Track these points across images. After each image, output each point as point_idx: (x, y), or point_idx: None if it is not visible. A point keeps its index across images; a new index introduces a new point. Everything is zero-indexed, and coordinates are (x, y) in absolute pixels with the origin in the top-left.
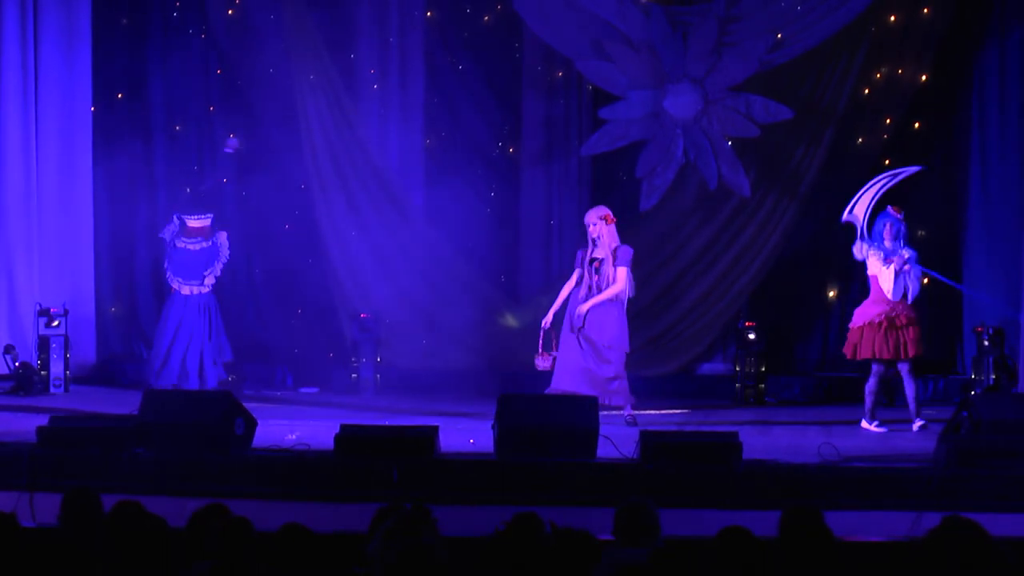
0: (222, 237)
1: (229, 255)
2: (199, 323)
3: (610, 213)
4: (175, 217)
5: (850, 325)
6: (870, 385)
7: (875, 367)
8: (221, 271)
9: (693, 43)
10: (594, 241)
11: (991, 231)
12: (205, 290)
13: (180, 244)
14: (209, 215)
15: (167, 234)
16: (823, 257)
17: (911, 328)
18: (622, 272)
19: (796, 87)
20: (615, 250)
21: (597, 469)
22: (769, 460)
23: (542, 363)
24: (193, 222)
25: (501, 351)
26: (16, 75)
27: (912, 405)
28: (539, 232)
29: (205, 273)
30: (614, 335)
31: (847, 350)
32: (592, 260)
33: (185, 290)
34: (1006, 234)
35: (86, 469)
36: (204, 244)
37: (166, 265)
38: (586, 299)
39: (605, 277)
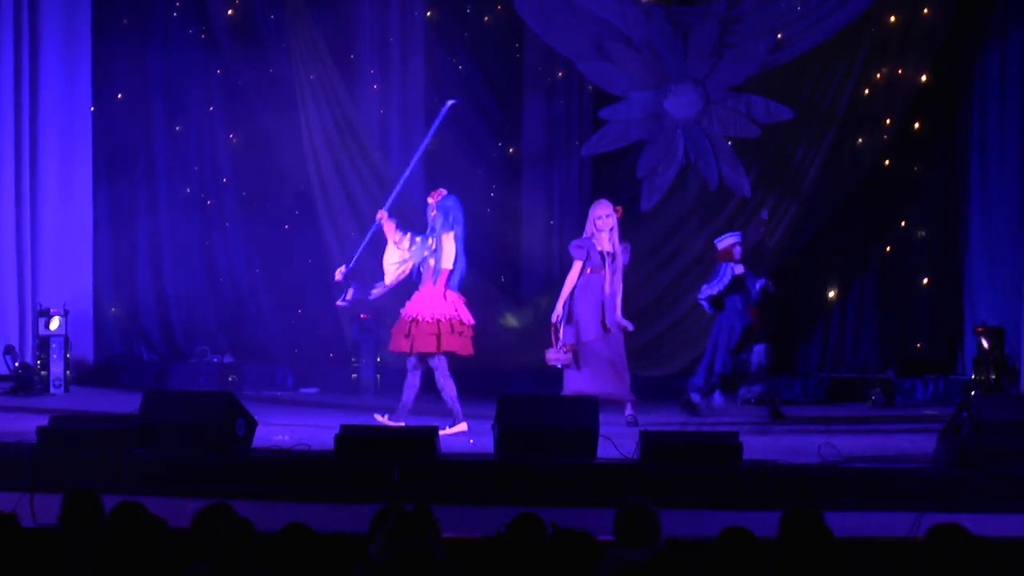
0: (725, 269)
1: (722, 284)
2: (714, 337)
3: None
4: None
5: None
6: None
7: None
8: (714, 293)
9: (694, 43)
10: (601, 234)
11: (991, 231)
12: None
13: None
14: (727, 237)
15: None
16: (824, 257)
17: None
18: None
19: (797, 87)
20: (619, 245)
21: (597, 469)
22: (769, 460)
23: (554, 357)
24: (722, 242)
25: (501, 351)
26: (16, 75)
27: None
28: (539, 232)
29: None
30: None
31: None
32: (602, 254)
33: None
34: (1006, 234)
35: (86, 469)
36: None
37: None
38: (599, 294)
39: (618, 273)
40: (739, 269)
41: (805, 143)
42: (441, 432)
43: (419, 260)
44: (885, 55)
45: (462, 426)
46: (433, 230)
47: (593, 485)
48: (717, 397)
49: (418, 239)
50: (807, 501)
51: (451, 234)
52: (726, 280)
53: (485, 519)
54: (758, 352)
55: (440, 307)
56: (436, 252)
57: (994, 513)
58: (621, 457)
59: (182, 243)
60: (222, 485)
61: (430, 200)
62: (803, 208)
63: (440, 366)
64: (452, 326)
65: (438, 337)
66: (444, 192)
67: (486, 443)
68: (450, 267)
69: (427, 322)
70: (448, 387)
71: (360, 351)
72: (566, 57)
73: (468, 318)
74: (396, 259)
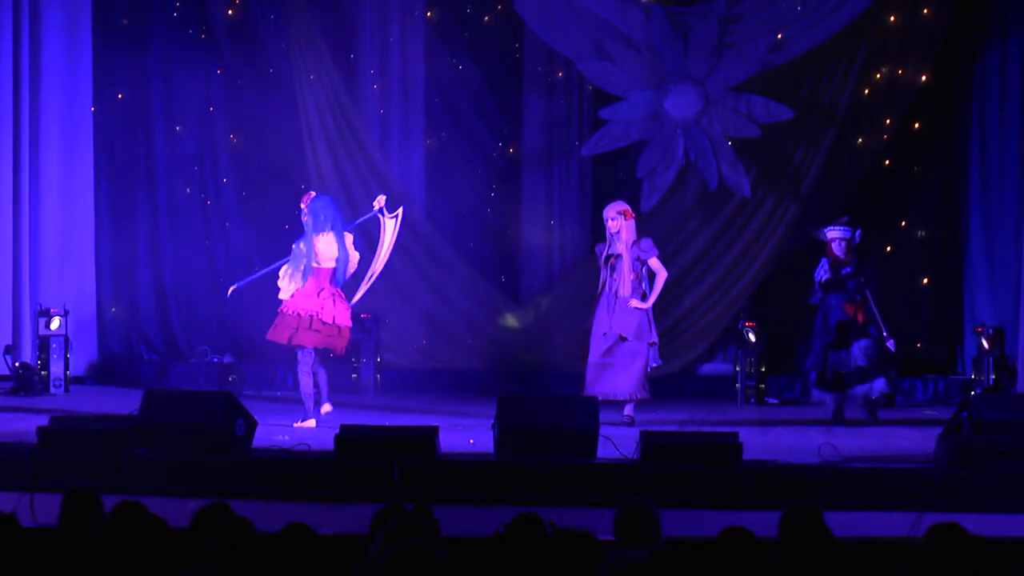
0: (823, 265)
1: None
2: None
3: (629, 208)
4: None
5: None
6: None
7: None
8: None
9: (694, 43)
10: (612, 237)
11: (991, 231)
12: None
13: None
14: (831, 230)
15: None
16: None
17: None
18: (657, 263)
19: (797, 87)
20: (638, 244)
21: (597, 469)
22: (769, 460)
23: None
24: (825, 233)
25: (501, 351)
26: (16, 76)
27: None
28: (539, 232)
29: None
30: (636, 327)
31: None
32: (608, 257)
33: None
34: (1006, 234)
35: (86, 469)
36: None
37: None
38: (605, 297)
39: (621, 274)
40: (824, 275)
41: (805, 143)
42: (294, 424)
43: (296, 266)
44: (885, 55)
45: (310, 422)
46: (304, 233)
47: (593, 485)
48: (816, 394)
49: (295, 245)
50: (807, 501)
51: (323, 235)
52: (818, 277)
53: (485, 519)
54: (859, 348)
55: (307, 303)
56: (308, 253)
57: (994, 513)
58: (621, 457)
59: (182, 243)
60: (222, 485)
61: (302, 205)
62: (803, 208)
63: (303, 360)
64: (311, 322)
65: (294, 331)
66: (314, 194)
67: (486, 443)
68: (331, 265)
69: (288, 315)
70: (305, 383)
71: (360, 351)
72: (566, 57)
73: (338, 319)
74: (286, 274)
